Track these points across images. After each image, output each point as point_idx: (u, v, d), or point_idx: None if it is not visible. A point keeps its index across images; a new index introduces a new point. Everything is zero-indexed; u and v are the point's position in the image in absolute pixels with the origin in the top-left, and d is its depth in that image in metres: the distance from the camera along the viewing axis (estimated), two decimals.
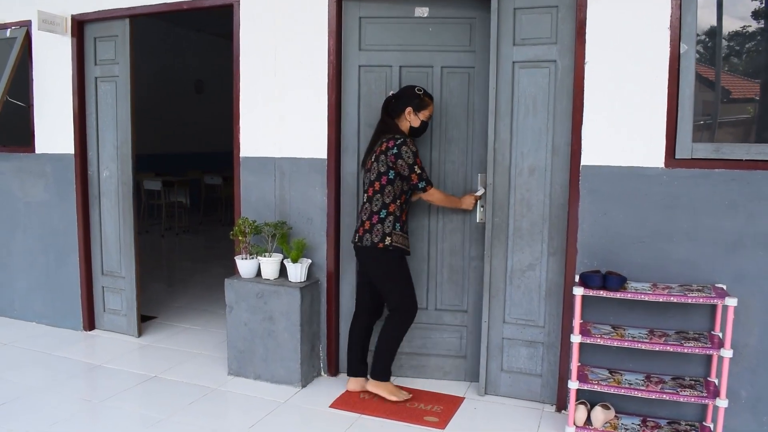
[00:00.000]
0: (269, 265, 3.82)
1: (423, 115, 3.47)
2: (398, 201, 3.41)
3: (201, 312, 5.39)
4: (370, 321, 3.70)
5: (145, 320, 5.07)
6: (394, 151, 3.33)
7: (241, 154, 4.04)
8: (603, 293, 3.09)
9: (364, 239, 3.41)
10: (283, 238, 3.82)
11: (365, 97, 3.87)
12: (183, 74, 12.40)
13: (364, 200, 3.47)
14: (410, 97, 3.45)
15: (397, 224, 3.40)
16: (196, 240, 9.34)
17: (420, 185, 3.39)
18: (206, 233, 9.81)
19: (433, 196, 3.46)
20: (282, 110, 3.92)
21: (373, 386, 3.57)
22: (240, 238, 3.84)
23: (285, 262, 3.82)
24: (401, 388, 3.68)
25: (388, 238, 3.37)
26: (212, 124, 11.45)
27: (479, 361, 3.73)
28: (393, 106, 3.47)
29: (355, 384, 3.70)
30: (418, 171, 3.35)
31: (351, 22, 3.81)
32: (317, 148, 3.85)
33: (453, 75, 3.78)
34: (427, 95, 3.49)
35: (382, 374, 3.56)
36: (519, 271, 3.59)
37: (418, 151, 3.44)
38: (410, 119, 3.46)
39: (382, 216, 3.38)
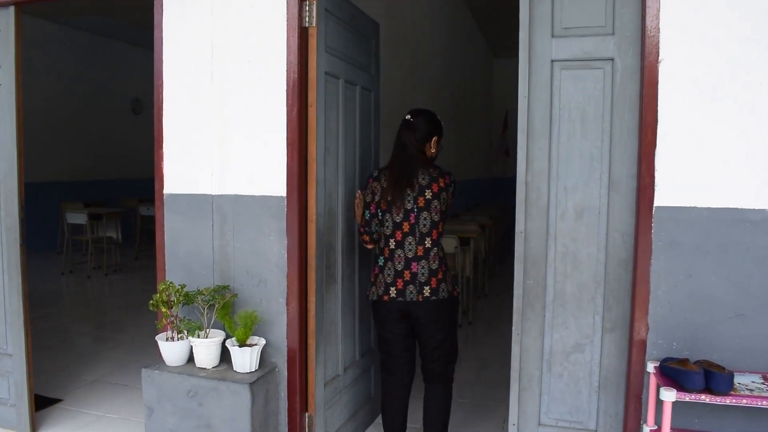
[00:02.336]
0: (205, 350, 2.68)
1: (441, 141, 2.96)
2: None
3: (121, 389, 4.17)
4: (408, 391, 3.01)
5: (45, 406, 3.83)
6: (453, 188, 2.86)
7: (166, 191, 2.90)
8: (706, 398, 2.08)
9: (440, 290, 2.77)
10: (224, 310, 2.70)
11: (328, 111, 2.87)
12: (119, 92, 11.18)
13: (426, 244, 2.77)
14: (435, 124, 2.89)
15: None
16: (129, 281, 8.03)
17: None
18: (142, 272, 8.50)
19: None
20: (223, 129, 2.81)
21: None
22: (162, 310, 2.69)
23: (228, 343, 2.70)
24: None
25: (456, 285, 2.98)
26: (151, 148, 10.22)
27: None
28: (420, 134, 2.83)
29: None
30: (450, 205, 2.92)
31: (320, 12, 2.78)
32: (272, 181, 2.75)
33: (366, 95, 3.41)
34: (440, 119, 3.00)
35: None
36: (561, 354, 2.55)
37: None
38: (434, 149, 2.90)
39: (445, 261, 2.86)
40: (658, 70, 2.31)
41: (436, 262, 2.77)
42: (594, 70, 2.44)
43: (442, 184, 2.78)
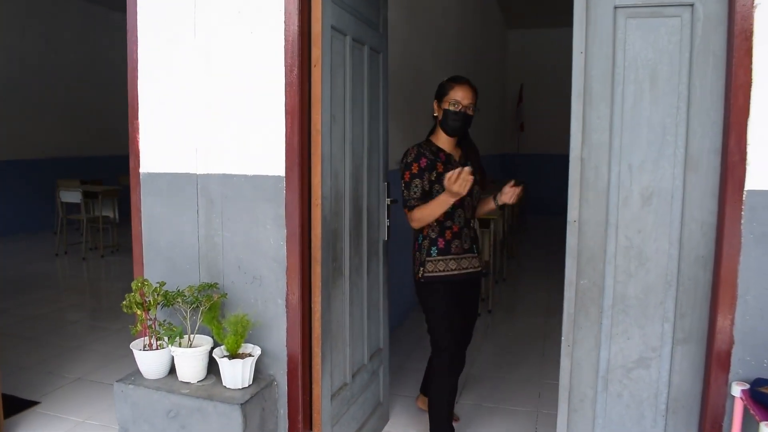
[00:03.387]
0: (189, 361, 2.24)
1: (446, 102, 2.71)
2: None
3: (106, 390, 3.73)
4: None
5: (19, 410, 3.42)
6: (403, 162, 2.72)
7: (142, 169, 2.44)
8: None
9: (414, 271, 2.84)
10: (211, 312, 2.25)
11: (335, 73, 2.39)
12: (119, 64, 10.64)
13: None
14: (436, 90, 2.79)
15: (433, 248, 2.76)
16: (126, 263, 7.52)
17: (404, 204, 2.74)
18: None
19: (412, 220, 2.71)
20: (208, 94, 2.33)
21: None
22: (137, 312, 2.25)
23: (216, 353, 2.25)
24: None
25: (421, 268, 2.77)
26: None
27: None
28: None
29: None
30: (402, 186, 2.71)
31: None
32: (268, 157, 2.28)
33: (374, 57, 2.90)
34: (451, 79, 2.76)
35: None
36: (621, 370, 2.09)
37: (417, 159, 2.67)
38: (436, 112, 2.77)
39: (419, 242, 2.81)
40: (753, 18, 1.82)
41: (412, 244, 2.83)
42: (668, 18, 1.94)
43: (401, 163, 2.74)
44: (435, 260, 2.73)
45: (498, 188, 2.86)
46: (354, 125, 2.62)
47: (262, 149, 2.27)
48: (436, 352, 2.80)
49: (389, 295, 3.20)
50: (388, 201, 3.03)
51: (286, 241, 2.27)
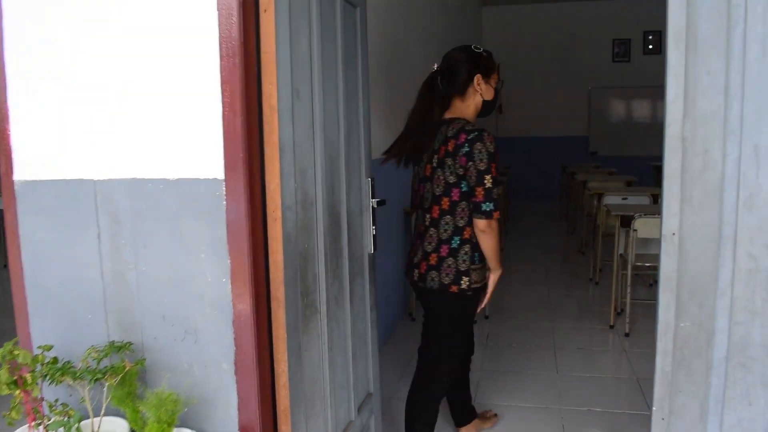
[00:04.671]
0: None
1: (494, 80, 2.38)
2: None
3: None
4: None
5: None
6: (466, 149, 2.18)
7: (17, 176, 1.67)
8: None
9: (428, 278, 2.32)
10: (125, 386, 1.51)
11: (296, 25, 1.65)
12: None
13: (426, 222, 2.35)
14: (474, 60, 2.32)
15: (476, 254, 2.31)
16: None
17: (484, 207, 2.19)
18: None
19: (493, 229, 2.22)
20: (108, 61, 1.57)
21: None
22: (14, 393, 1.49)
23: None
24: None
25: (465, 279, 2.27)
26: None
27: None
28: (453, 83, 2.32)
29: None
30: (488, 184, 2.18)
31: None
32: (199, 152, 1.53)
33: (350, 12, 2.16)
34: (490, 53, 2.40)
35: None
36: None
37: (497, 152, 2.19)
38: (481, 91, 2.34)
39: (454, 245, 2.28)
40: None
41: (432, 244, 2.31)
42: None
43: (451, 147, 2.22)
44: (479, 269, 2.32)
45: None
46: (326, 101, 1.88)
47: (188, 140, 1.52)
48: (445, 365, 2.46)
49: (377, 318, 2.52)
50: (374, 203, 2.33)
51: (231, 277, 1.53)
